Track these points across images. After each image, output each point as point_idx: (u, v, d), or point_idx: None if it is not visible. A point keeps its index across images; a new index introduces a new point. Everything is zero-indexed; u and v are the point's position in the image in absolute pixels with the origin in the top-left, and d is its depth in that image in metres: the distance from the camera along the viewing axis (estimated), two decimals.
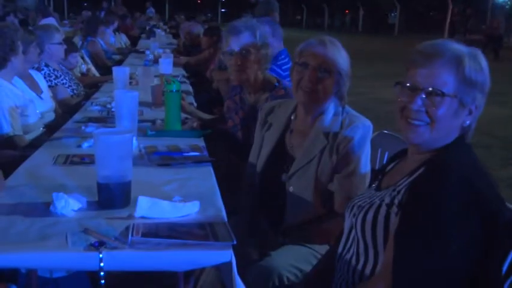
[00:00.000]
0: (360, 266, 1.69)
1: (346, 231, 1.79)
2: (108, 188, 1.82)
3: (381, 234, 1.62)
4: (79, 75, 5.35)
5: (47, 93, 4.14)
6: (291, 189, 2.24)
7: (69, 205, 1.77)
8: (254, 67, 2.88)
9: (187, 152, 2.54)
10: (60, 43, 4.66)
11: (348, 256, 1.74)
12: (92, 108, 3.65)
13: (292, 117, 2.37)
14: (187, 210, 1.79)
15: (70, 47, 5.10)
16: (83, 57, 6.65)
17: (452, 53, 1.54)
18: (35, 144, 3.01)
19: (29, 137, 3.46)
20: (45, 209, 1.80)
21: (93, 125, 3.06)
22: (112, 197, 1.83)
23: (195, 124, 3.12)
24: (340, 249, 1.81)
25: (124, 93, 2.84)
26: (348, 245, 1.76)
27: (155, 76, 4.52)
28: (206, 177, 2.24)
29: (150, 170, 2.31)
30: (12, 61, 3.44)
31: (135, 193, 1.86)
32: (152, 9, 19.67)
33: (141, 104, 3.61)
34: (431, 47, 1.57)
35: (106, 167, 1.81)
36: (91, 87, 5.16)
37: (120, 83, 3.99)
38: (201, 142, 2.80)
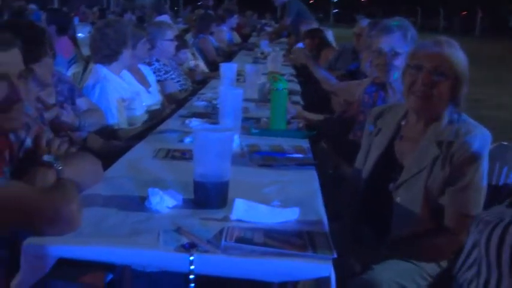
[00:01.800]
0: None
1: (468, 247, 1.61)
2: (204, 187, 1.74)
3: (507, 255, 1.42)
4: (187, 70, 5.40)
5: (155, 87, 4.19)
6: (398, 199, 2.06)
7: (164, 201, 1.70)
8: (400, 69, 2.74)
9: (291, 154, 2.42)
10: (172, 40, 4.72)
11: (468, 275, 1.57)
12: (198, 104, 3.63)
13: (402, 123, 2.19)
14: (285, 216, 1.66)
15: (181, 43, 5.16)
16: (193, 54, 6.75)
17: None
18: (139, 136, 3.02)
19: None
20: (140, 203, 1.74)
21: (197, 120, 3.02)
22: (208, 196, 1.74)
23: (300, 124, 3.00)
24: (457, 268, 1.64)
25: (229, 90, 2.77)
26: (468, 263, 1.59)
27: (263, 74, 4.45)
28: (309, 181, 2.10)
29: (251, 170, 2.21)
30: (123, 54, 3.51)
31: (232, 194, 1.77)
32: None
33: (247, 101, 3.56)
34: None
35: (203, 165, 1.73)
36: (199, 82, 5.19)
37: (227, 80, 3.95)
38: (305, 143, 2.66)
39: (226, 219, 1.65)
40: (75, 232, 1.51)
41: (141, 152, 2.41)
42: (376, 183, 2.19)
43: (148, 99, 4.01)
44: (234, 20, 9.57)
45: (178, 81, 4.70)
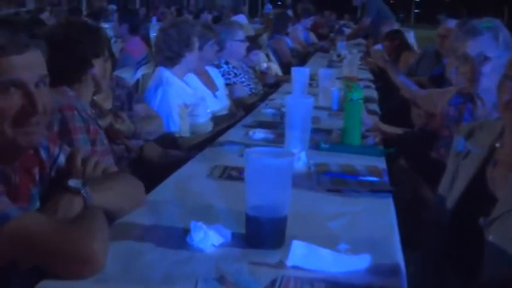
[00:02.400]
0: None
1: None
2: (257, 222, 1.45)
3: None
4: (259, 73, 5.14)
5: (223, 91, 3.98)
6: (490, 238, 1.70)
7: (208, 238, 1.43)
8: (491, 77, 2.35)
9: (364, 176, 2.10)
10: (242, 40, 4.48)
11: None
12: (265, 111, 3.35)
13: (497, 145, 1.82)
14: (353, 265, 1.35)
15: (252, 44, 4.92)
16: (268, 55, 6.50)
17: None
18: (201, 146, 2.78)
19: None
20: (182, 237, 1.47)
21: (262, 131, 2.75)
22: (261, 234, 1.46)
23: (377, 139, 2.66)
24: None
25: (296, 100, 2.48)
26: None
27: (338, 78, 4.13)
28: (384, 214, 1.77)
29: (316, 197, 1.91)
30: (186, 57, 3.31)
31: (292, 228, 1.49)
32: None
33: (319, 109, 3.26)
34: None
35: (256, 196, 1.44)
36: (271, 86, 4.92)
37: (298, 85, 3.66)
38: (381, 163, 2.33)
39: (281, 265, 1.35)
40: (98, 274, 1.27)
41: (193, 169, 2.16)
42: (464, 216, 1.83)
43: (215, 104, 3.80)
44: (309, 20, 9.22)
45: (248, 85, 4.45)
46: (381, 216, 1.75)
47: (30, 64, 1.39)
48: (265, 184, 1.43)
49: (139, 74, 4.18)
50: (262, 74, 5.12)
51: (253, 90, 4.47)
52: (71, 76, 2.21)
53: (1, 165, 1.44)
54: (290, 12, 9.10)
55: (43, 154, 1.62)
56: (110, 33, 5.68)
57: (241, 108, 4.02)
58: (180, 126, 3.19)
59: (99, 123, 2.62)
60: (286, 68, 6.49)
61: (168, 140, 3.16)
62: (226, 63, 4.38)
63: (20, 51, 1.37)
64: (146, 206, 1.71)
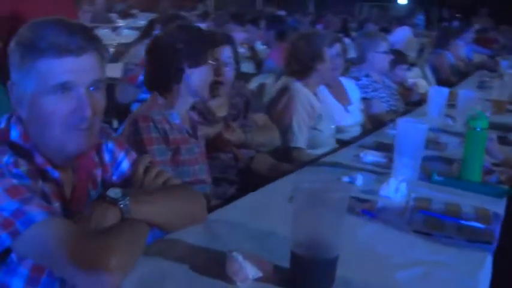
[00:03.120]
0: None
1: None
2: (302, 261, 1.29)
3: None
4: (402, 89, 4.81)
5: (356, 106, 3.77)
6: None
7: (243, 271, 1.29)
8: None
9: (467, 220, 1.80)
10: (385, 52, 4.21)
11: None
12: (389, 132, 3.08)
13: None
14: None
15: (398, 58, 4.61)
16: (423, 71, 6.12)
17: None
18: (314, 162, 2.63)
19: (317, 151, 3.12)
20: (222, 265, 1.34)
21: (374, 153, 2.52)
22: (305, 274, 1.29)
23: (503, 176, 2.31)
24: None
25: (408, 124, 2.23)
26: None
27: (487, 101, 3.74)
28: (472, 272, 1.48)
29: (398, 237, 1.67)
30: (317, 69, 3.16)
31: (351, 267, 1.35)
32: None
33: (453, 134, 3.02)
34: None
35: (304, 231, 1.28)
36: (414, 104, 4.59)
37: (434, 106, 3.37)
38: (499, 207, 1.99)
39: None
40: None
41: (279, 189, 2.02)
42: None
43: (346, 118, 3.61)
44: (471, 34, 8.50)
45: (387, 101, 4.17)
46: (468, 276, 1.46)
47: (85, 67, 1.36)
48: (314, 219, 1.26)
49: (252, 85, 4.12)
50: (406, 91, 4.79)
51: (392, 107, 4.18)
52: (162, 84, 2.19)
53: (57, 168, 1.43)
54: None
55: (107, 157, 1.60)
56: (254, 38, 5.72)
57: (376, 125, 3.78)
58: (298, 138, 3.05)
59: (205, 130, 2.60)
60: (444, 86, 6.05)
61: (281, 152, 3.05)
62: (366, 76, 4.14)
63: (76, 53, 1.34)
64: (206, 223, 1.62)
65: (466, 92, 3.41)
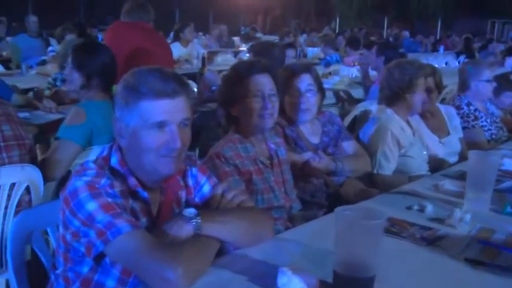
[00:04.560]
0: None
1: None
2: (342, 280, 1.48)
3: None
4: (506, 117, 4.73)
5: (454, 135, 3.79)
6: None
7: (291, 285, 1.51)
8: None
9: None
10: (489, 80, 4.20)
11: None
12: None
13: None
14: None
15: (504, 84, 4.55)
16: None
17: None
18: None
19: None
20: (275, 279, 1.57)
21: (452, 183, 2.61)
22: None
23: None
24: None
25: (480, 155, 2.32)
26: None
27: None
28: None
29: (449, 263, 1.79)
30: (407, 99, 3.26)
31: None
32: None
33: None
34: None
35: (343, 252, 1.48)
36: None
37: None
38: None
39: None
40: None
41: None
42: None
43: (439, 149, 3.65)
44: None
45: (488, 130, 4.16)
46: None
47: (177, 108, 1.68)
48: (351, 243, 1.45)
49: (358, 110, 4.24)
50: (509, 118, 4.69)
51: (493, 136, 4.16)
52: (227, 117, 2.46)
53: (147, 188, 1.75)
54: None
55: (191, 181, 1.90)
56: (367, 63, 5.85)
57: None
58: (383, 165, 3.18)
59: (295, 157, 2.82)
60: None
61: (370, 177, 3.19)
62: (468, 104, 4.16)
63: (170, 96, 1.66)
64: (274, 241, 1.85)
65: None
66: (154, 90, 1.65)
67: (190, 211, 1.67)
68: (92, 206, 1.58)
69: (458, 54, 11.57)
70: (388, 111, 3.33)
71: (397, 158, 3.24)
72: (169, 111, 1.66)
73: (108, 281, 1.68)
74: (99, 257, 1.62)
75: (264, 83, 2.38)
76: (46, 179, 2.79)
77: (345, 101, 6.26)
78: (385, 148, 3.19)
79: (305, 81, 2.90)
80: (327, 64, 8.22)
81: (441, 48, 12.35)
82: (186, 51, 8.64)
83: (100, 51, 3.15)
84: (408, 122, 3.43)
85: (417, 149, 3.34)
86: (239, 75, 2.41)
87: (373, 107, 4.43)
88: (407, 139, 3.27)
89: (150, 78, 1.66)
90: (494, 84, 4.27)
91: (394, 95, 3.31)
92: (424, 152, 3.42)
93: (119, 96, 1.71)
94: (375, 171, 3.17)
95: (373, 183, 3.15)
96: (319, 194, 2.95)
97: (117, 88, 1.74)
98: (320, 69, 7.47)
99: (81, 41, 3.96)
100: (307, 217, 2.62)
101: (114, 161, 1.74)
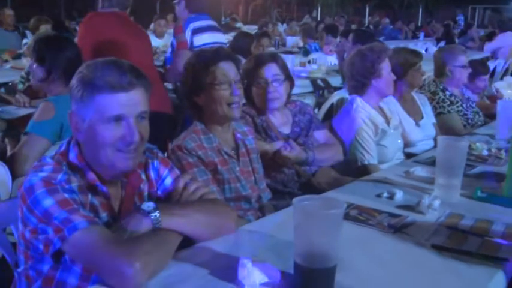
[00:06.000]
0: None
1: None
2: (302, 271, 1.45)
3: None
4: (482, 102, 4.74)
5: (429, 120, 3.80)
6: None
7: (251, 276, 1.48)
8: None
9: (493, 237, 1.86)
10: (464, 66, 4.20)
11: None
12: None
13: None
14: None
15: (479, 68, 4.56)
16: None
17: None
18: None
19: (383, 167, 3.21)
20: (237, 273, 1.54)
21: (423, 169, 2.60)
22: (305, 282, 1.45)
23: None
24: None
25: (447, 141, 2.30)
26: None
27: None
28: (480, 285, 1.58)
29: (414, 249, 1.78)
30: (373, 85, 3.25)
31: (360, 276, 1.54)
32: None
33: None
34: None
35: (302, 243, 1.45)
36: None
37: (503, 120, 3.34)
38: None
39: None
40: None
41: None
42: None
43: (417, 133, 3.66)
44: None
45: (464, 115, 4.16)
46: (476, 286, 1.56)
47: (134, 101, 1.64)
48: (310, 233, 1.42)
49: (334, 98, 4.22)
50: (483, 104, 4.69)
51: (469, 121, 4.16)
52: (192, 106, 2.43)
53: (107, 182, 1.71)
54: None
55: (153, 174, 1.86)
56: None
57: None
58: (366, 155, 3.15)
59: (266, 146, 2.79)
60: None
61: (346, 166, 3.17)
62: (444, 90, 4.16)
63: (126, 89, 1.62)
64: (238, 233, 1.82)
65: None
66: (109, 84, 1.61)
67: (149, 205, 1.63)
68: (48, 202, 1.54)
69: (438, 41, 11.60)
70: (359, 101, 3.29)
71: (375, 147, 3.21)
72: (125, 104, 1.63)
73: (69, 278, 1.64)
74: (59, 254, 1.58)
75: (230, 70, 2.36)
76: (14, 175, 2.74)
77: (322, 89, 6.24)
78: (360, 139, 3.16)
79: (271, 71, 2.87)
80: (306, 52, 8.19)
81: (421, 34, 12.36)
82: (162, 42, 8.61)
83: (62, 45, 3.10)
84: (382, 110, 3.41)
85: (391, 137, 3.31)
86: (204, 63, 2.37)
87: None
88: (378, 127, 3.25)
89: (105, 71, 1.62)
90: (470, 69, 4.27)
91: (360, 84, 3.29)
92: (399, 141, 3.41)
93: (74, 90, 1.66)
94: (359, 164, 3.13)
95: (350, 172, 3.11)
96: (292, 184, 2.93)
97: (72, 81, 1.69)
98: (299, 58, 7.44)
99: (44, 34, 3.89)
100: (279, 207, 2.60)
101: (72, 155, 1.70)
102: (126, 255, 1.45)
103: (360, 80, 3.25)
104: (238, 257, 1.57)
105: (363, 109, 3.26)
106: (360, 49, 3.35)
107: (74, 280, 1.64)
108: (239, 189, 2.38)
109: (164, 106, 4.00)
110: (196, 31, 4.81)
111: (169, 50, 4.94)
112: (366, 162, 3.15)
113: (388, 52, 3.27)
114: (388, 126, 3.33)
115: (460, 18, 17.00)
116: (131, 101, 1.63)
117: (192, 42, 4.72)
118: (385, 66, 3.23)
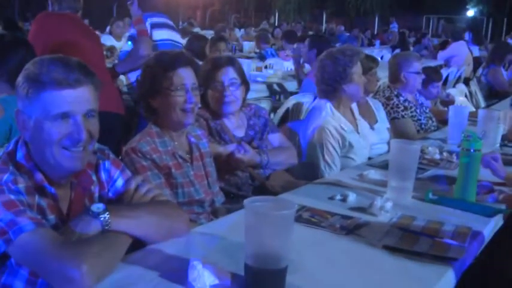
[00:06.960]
0: None
1: None
2: (252, 272, 1.44)
3: None
4: (435, 108, 4.84)
5: (383, 124, 3.83)
6: None
7: (201, 278, 1.45)
8: None
9: (443, 238, 1.89)
10: (418, 72, 4.26)
11: None
12: None
13: None
14: None
15: (432, 75, 4.65)
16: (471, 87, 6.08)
17: None
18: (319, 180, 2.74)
19: None
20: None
21: (376, 172, 2.62)
22: (257, 283, 1.44)
23: (501, 196, 2.36)
24: None
25: (400, 144, 2.33)
26: None
27: None
28: (428, 284, 1.59)
29: (366, 250, 1.79)
30: (345, 90, 3.22)
31: (311, 277, 1.53)
32: None
33: None
34: None
35: (253, 244, 1.43)
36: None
37: (453, 126, 3.40)
38: (487, 226, 2.06)
39: None
40: None
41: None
42: None
43: (371, 136, 3.68)
44: None
45: (418, 120, 4.22)
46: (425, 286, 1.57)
47: (82, 98, 1.59)
48: (261, 234, 1.41)
49: (290, 103, 4.23)
50: (438, 111, 4.77)
51: (423, 126, 4.23)
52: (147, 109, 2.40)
53: (55, 183, 1.65)
54: None
55: (104, 175, 1.81)
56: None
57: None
58: (329, 170, 3.12)
59: (219, 149, 2.76)
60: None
61: (301, 170, 3.17)
62: (398, 95, 4.21)
63: (73, 86, 1.57)
64: (190, 235, 1.79)
65: (485, 111, 3.43)
66: (56, 80, 1.56)
67: (99, 206, 1.58)
68: None
69: (393, 49, 11.81)
70: (328, 106, 3.22)
71: (339, 159, 3.18)
72: (72, 101, 1.58)
73: (15, 282, 1.58)
74: (4, 258, 1.52)
75: (188, 76, 2.33)
76: None
77: (278, 93, 6.26)
78: (324, 152, 3.12)
79: (228, 74, 2.84)
80: (261, 57, 8.21)
81: (377, 42, 12.57)
82: (119, 44, 8.53)
83: (11, 44, 3.02)
84: (352, 113, 3.39)
85: (358, 149, 3.24)
86: (163, 67, 2.33)
87: (305, 99, 4.42)
88: (346, 140, 3.19)
89: (52, 67, 1.57)
90: (423, 76, 4.34)
91: (332, 89, 3.23)
92: (367, 154, 3.37)
93: (20, 87, 1.60)
94: (320, 176, 3.09)
95: (305, 176, 3.09)
96: (245, 187, 2.90)
97: (18, 79, 1.64)
98: (256, 63, 7.45)
99: None
100: (233, 210, 2.57)
101: (20, 155, 1.64)
102: (73, 258, 1.40)
103: (331, 84, 3.19)
104: (188, 259, 1.54)
105: (332, 118, 3.20)
106: (331, 51, 3.29)
107: (21, 284, 1.57)
108: (192, 193, 2.34)
109: (115, 106, 3.93)
110: (155, 26, 4.83)
111: (125, 44, 4.90)
112: (326, 175, 3.10)
113: (360, 55, 3.24)
114: (357, 132, 3.31)
115: (394, 26, 17.37)
116: (79, 98, 1.59)
117: (151, 35, 4.70)
118: (357, 71, 3.20)
